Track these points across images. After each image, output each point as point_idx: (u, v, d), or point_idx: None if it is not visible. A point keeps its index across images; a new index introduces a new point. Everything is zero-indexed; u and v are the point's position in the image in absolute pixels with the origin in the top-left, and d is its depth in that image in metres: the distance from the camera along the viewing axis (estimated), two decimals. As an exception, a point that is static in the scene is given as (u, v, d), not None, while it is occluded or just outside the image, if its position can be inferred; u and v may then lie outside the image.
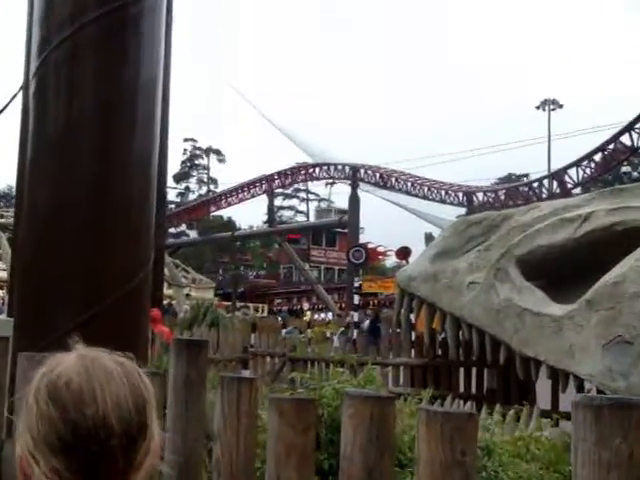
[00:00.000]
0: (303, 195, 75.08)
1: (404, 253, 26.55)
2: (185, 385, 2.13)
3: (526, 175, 48.72)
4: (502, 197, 36.46)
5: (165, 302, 23.05)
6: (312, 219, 61.99)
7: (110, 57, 2.96)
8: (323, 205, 72.12)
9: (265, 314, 37.32)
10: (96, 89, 2.93)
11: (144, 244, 3.08)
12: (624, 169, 47.66)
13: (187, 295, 29.36)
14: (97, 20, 2.90)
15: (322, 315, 33.88)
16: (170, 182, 68.27)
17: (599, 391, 5.74)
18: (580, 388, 6.11)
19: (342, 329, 18.05)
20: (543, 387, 7.32)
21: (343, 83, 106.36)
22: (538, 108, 49.52)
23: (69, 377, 0.98)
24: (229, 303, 33.11)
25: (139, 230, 3.04)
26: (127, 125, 3.01)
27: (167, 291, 27.12)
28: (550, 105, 48.73)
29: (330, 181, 54.52)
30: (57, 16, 2.95)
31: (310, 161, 47.53)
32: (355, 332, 18.19)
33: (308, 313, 34.00)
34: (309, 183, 62.34)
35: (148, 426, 1.00)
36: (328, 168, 43.96)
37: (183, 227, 66.50)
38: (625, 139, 31.09)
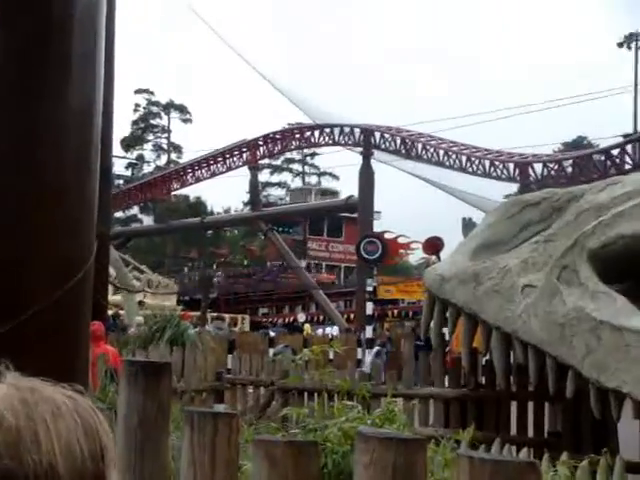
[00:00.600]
0: (297, 167, 75.29)
1: (434, 246, 26.47)
2: (140, 424, 2.11)
3: (602, 139, 48.75)
4: (569, 169, 36.42)
5: (110, 312, 23.11)
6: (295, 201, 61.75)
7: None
8: (326, 182, 72.22)
9: (247, 328, 37.39)
10: (15, 18, 2.90)
11: (83, 234, 3.06)
12: None
13: (140, 303, 29.37)
14: None
15: (327, 330, 33.95)
16: (117, 149, 68.36)
17: None
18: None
19: (377, 348, 17.97)
20: (628, 429, 7.31)
21: (351, 28, 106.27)
22: (621, 46, 49.27)
23: (0, 413, 0.96)
24: (197, 313, 33.12)
25: (76, 215, 3.03)
26: (58, 68, 2.99)
27: (113, 297, 27.09)
28: (637, 41, 48.42)
29: (310, 151, 54.58)
30: None
31: (308, 122, 47.47)
32: (368, 354, 18.27)
33: (307, 326, 34.11)
34: (306, 151, 62.64)
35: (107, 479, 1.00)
36: (331, 131, 43.93)
37: (135, 211, 66.63)
38: None
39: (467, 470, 1.47)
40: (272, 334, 29.44)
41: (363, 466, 1.64)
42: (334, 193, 62.80)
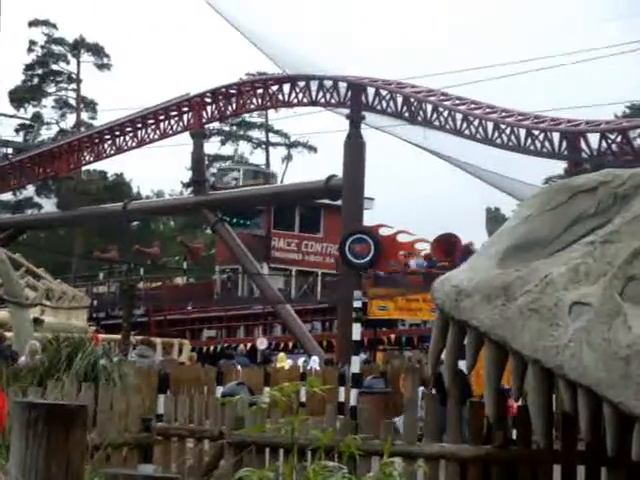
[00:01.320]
0: (259, 136, 75.25)
1: (448, 246, 26.51)
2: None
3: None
4: (637, 141, 36.51)
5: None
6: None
7: None
8: (299, 155, 72.08)
9: (186, 356, 37.38)
10: None
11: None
12: None
13: (36, 321, 29.26)
14: None
15: (300, 360, 33.95)
16: (3, 105, 67.97)
17: None
18: None
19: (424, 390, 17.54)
20: None
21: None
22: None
23: None
24: (117, 336, 33.07)
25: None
26: None
27: (-3, 314, 26.97)
28: None
29: (277, 113, 54.35)
30: None
31: (275, 73, 47.41)
32: (354, 394, 18.33)
33: (281, 356, 34.12)
34: (271, 113, 62.52)
35: None
36: (307, 85, 43.93)
37: (29, 192, 66.37)
38: None
39: None
40: (239, 367, 29.40)
41: None
42: (268, 175, 62.47)
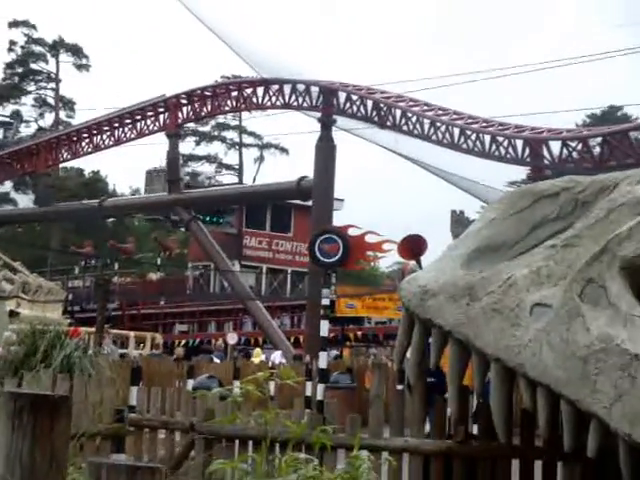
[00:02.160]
0: (233, 136, 75.08)
1: (414, 247, 26.38)
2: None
3: None
4: (597, 149, 36.69)
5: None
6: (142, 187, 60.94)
7: None
8: (271, 156, 71.96)
9: (159, 350, 37.28)
10: None
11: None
12: None
13: (12, 313, 29.12)
14: None
15: (273, 356, 33.95)
16: (-15, 103, 67.60)
17: None
18: None
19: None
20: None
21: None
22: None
23: None
24: (92, 330, 32.95)
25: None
26: None
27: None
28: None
29: (250, 115, 54.30)
30: None
31: (249, 76, 47.32)
32: (321, 389, 18.31)
33: (257, 351, 34.06)
34: (245, 113, 62.38)
35: None
36: (280, 89, 43.83)
37: (7, 187, 65.98)
38: None
39: None
40: (217, 360, 29.35)
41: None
42: (187, 182, 62.09)
